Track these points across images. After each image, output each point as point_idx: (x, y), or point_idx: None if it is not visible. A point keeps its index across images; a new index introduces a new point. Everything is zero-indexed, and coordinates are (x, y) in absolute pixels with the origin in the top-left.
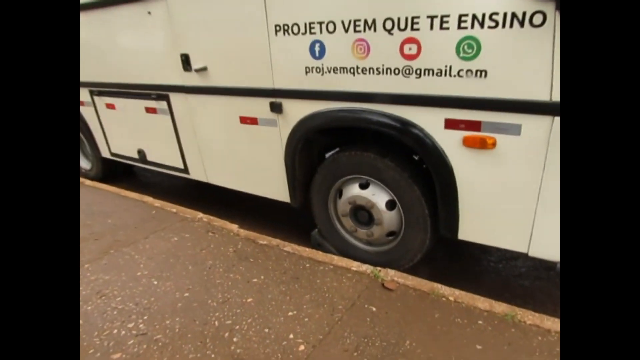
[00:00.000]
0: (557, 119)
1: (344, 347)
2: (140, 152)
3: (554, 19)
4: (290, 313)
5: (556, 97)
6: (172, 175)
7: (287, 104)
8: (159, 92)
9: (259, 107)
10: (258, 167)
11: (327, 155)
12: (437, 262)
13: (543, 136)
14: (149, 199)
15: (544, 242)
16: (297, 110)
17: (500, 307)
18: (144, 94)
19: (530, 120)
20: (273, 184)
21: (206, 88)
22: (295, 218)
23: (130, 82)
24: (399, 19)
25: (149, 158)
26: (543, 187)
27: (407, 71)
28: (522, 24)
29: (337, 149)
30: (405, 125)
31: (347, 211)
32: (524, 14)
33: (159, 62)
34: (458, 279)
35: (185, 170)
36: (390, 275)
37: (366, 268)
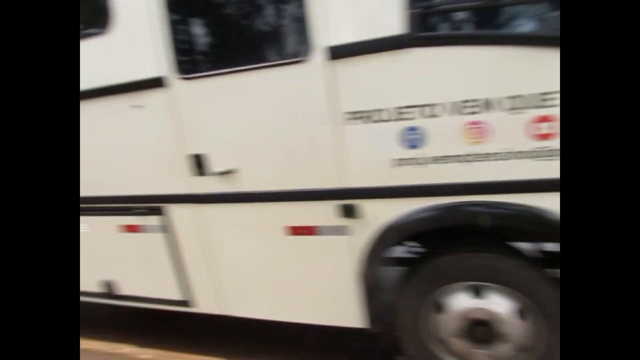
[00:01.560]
0: None
1: None
2: (107, 285)
3: None
4: None
5: None
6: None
7: (368, 205)
8: (149, 205)
9: (319, 212)
10: (314, 288)
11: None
12: None
13: None
14: (128, 349)
15: None
16: (382, 212)
17: None
18: (120, 208)
19: None
20: (339, 307)
21: (233, 195)
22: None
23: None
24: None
25: (123, 291)
26: None
27: (540, 153)
28: None
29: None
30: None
31: (459, 329)
32: None
33: (150, 167)
34: None
35: (185, 302)
36: None
37: None
